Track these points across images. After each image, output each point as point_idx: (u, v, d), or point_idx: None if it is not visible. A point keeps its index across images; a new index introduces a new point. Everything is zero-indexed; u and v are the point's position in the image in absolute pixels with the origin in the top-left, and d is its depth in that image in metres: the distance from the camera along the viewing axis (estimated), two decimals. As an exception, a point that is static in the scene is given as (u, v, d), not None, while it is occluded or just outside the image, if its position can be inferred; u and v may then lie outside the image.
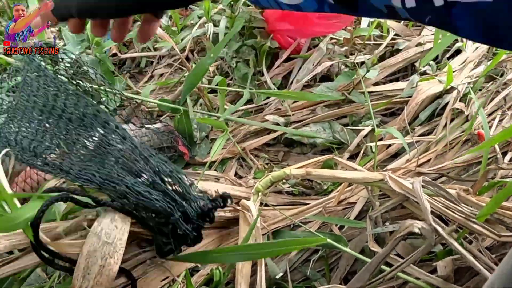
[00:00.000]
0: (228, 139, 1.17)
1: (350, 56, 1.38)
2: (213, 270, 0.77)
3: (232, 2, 1.53)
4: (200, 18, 1.63)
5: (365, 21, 1.44)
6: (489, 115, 1.14)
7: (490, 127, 1.08)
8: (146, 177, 0.71)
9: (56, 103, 0.88)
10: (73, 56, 1.14)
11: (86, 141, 0.82)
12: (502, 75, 1.24)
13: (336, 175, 0.86)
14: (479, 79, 1.21)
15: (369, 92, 1.21)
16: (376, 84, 1.32)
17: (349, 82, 1.26)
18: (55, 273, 0.79)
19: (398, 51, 1.40)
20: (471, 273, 0.77)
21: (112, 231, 0.66)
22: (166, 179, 0.70)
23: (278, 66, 1.41)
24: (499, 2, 0.26)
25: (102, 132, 0.82)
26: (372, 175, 0.83)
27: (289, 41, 1.41)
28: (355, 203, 0.91)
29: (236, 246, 0.75)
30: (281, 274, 0.82)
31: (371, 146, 1.09)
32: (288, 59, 1.41)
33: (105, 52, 1.52)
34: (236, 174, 1.15)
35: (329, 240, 0.74)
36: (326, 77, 1.36)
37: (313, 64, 1.34)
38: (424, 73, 1.33)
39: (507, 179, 0.87)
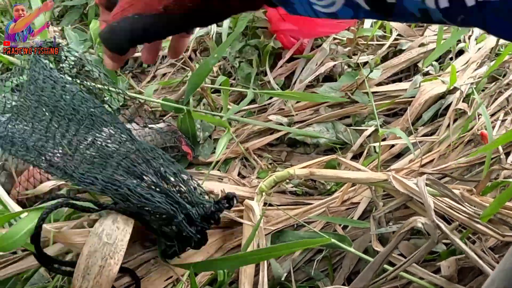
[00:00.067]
0: (231, 139, 1.17)
1: (353, 57, 1.38)
2: (217, 270, 0.77)
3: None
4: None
5: (368, 21, 1.44)
6: (492, 115, 1.14)
7: (493, 127, 1.08)
8: (149, 179, 0.71)
9: (61, 103, 0.88)
10: (77, 55, 1.14)
11: (89, 142, 0.82)
12: (504, 76, 1.24)
13: (339, 175, 0.86)
14: (482, 80, 1.21)
15: (372, 93, 1.21)
16: (379, 84, 1.32)
17: (353, 82, 1.26)
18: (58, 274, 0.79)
19: (401, 51, 1.40)
20: (474, 273, 0.77)
21: (114, 232, 0.66)
22: (169, 181, 0.71)
23: (281, 66, 1.41)
24: None
25: (106, 133, 0.82)
26: (375, 175, 0.83)
27: (292, 41, 1.41)
28: (358, 203, 0.91)
29: (240, 254, 0.75)
30: (285, 274, 0.82)
31: (374, 146, 1.09)
32: (291, 59, 1.41)
33: (108, 51, 1.52)
34: (239, 174, 1.15)
35: (333, 240, 0.74)
36: (329, 77, 1.36)
37: (316, 64, 1.34)
38: (427, 73, 1.33)
39: (511, 179, 0.87)
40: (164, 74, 1.60)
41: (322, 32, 1.35)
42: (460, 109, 1.13)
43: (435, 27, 1.40)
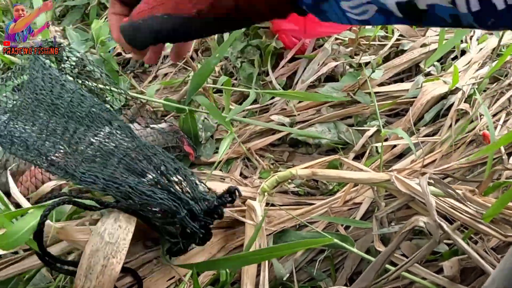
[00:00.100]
0: (233, 139, 1.17)
1: (355, 57, 1.38)
2: (219, 270, 0.77)
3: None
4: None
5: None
6: (494, 116, 1.14)
7: (495, 128, 1.08)
8: (150, 177, 0.71)
9: (61, 102, 0.88)
10: (79, 55, 1.14)
11: (90, 141, 0.82)
12: (506, 76, 1.24)
13: (342, 176, 0.86)
14: (483, 80, 1.21)
15: (374, 93, 1.21)
16: (381, 84, 1.32)
17: (354, 83, 1.26)
18: (60, 274, 0.79)
19: (403, 51, 1.40)
20: (476, 273, 0.77)
21: (116, 231, 0.66)
22: (171, 177, 0.70)
23: (283, 66, 1.41)
24: None
25: (106, 131, 0.82)
26: (378, 176, 0.83)
27: (294, 41, 1.41)
28: (360, 203, 0.91)
29: (242, 254, 0.75)
30: (287, 274, 0.82)
31: (376, 147, 1.09)
32: (293, 59, 1.41)
33: (110, 51, 1.52)
34: (241, 174, 1.15)
35: (335, 240, 0.74)
36: (331, 77, 1.36)
37: (318, 65, 1.34)
38: (429, 73, 1.33)
39: (513, 180, 0.87)
40: (165, 74, 1.60)
41: (324, 32, 1.35)
42: (462, 109, 1.13)
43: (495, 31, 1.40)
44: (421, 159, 1.00)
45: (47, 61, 1.03)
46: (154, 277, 0.75)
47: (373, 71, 1.26)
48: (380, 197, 0.86)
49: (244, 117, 1.29)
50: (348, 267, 0.84)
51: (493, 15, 0.30)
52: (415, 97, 1.20)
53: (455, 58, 1.37)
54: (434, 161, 1.03)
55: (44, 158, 0.82)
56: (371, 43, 1.43)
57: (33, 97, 0.95)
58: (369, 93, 1.21)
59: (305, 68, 1.36)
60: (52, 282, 0.80)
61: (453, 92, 1.19)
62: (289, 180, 0.95)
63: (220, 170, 1.15)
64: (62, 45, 1.19)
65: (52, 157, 0.82)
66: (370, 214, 0.89)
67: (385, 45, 1.41)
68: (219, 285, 0.78)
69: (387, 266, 0.72)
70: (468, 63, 1.32)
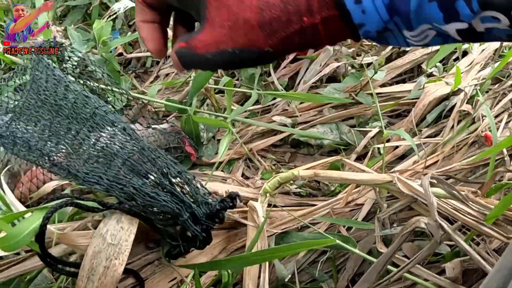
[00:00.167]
0: (235, 140, 1.17)
1: (357, 57, 1.38)
2: (221, 271, 0.77)
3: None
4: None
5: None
6: (496, 117, 1.13)
7: (497, 129, 1.08)
8: (153, 178, 0.71)
9: (64, 103, 0.88)
10: (80, 55, 1.14)
11: (93, 142, 0.82)
12: (508, 77, 1.23)
13: (344, 177, 0.86)
14: (486, 81, 1.21)
15: (376, 94, 1.21)
16: (383, 85, 1.32)
17: (357, 84, 1.26)
18: (62, 275, 0.79)
19: (405, 52, 1.40)
20: (478, 275, 0.77)
21: (118, 232, 0.66)
22: (174, 180, 0.70)
23: (285, 67, 1.41)
24: None
25: (109, 132, 0.82)
26: (380, 177, 0.83)
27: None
28: (362, 204, 0.91)
29: (244, 254, 0.75)
30: (289, 276, 0.82)
31: (378, 148, 1.09)
32: (294, 60, 1.41)
33: (111, 51, 1.52)
34: (243, 175, 1.15)
35: (337, 241, 0.74)
36: (333, 78, 1.36)
37: (320, 65, 1.34)
38: (431, 74, 1.33)
39: (515, 181, 0.87)
40: (167, 74, 1.60)
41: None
42: (464, 110, 1.13)
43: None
44: (423, 160, 1.00)
45: (50, 61, 1.03)
46: (156, 278, 0.75)
47: (375, 72, 1.26)
48: (382, 198, 0.86)
49: (246, 117, 1.29)
50: (350, 268, 0.84)
51: None
52: (417, 98, 1.20)
53: (457, 59, 1.37)
54: (436, 162, 1.03)
55: (46, 158, 0.82)
56: (373, 43, 1.43)
57: (36, 97, 0.95)
58: (371, 94, 1.21)
59: (307, 69, 1.36)
60: (53, 283, 0.80)
61: (455, 93, 1.19)
62: (291, 181, 0.94)
63: (222, 171, 1.15)
64: (64, 45, 1.19)
65: (55, 157, 0.82)
66: (372, 215, 0.89)
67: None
68: (221, 286, 0.77)
69: (389, 267, 0.72)
70: (470, 64, 1.31)
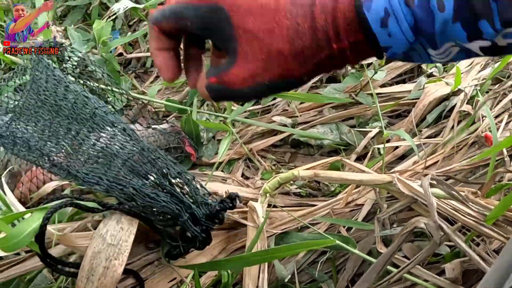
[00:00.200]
0: (235, 140, 1.17)
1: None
2: (221, 271, 0.77)
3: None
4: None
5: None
6: (496, 117, 1.13)
7: (497, 129, 1.07)
8: (153, 179, 0.71)
9: (64, 103, 0.88)
10: (80, 55, 1.14)
11: (93, 142, 0.82)
12: (508, 77, 1.23)
13: (344, 177, 0.86)
14: (486, 82, 1.21)
15: (376, 94, 1.21)
16: (383, 86, 1.32)
17: (357, 84, 1.26)
18: (62, 275, 0.79)
19: (404, 52, 1.39)
20: (478, 276, 0.77)
21: (118, 233, 0.66)
22: (174, 180, 0.70)
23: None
24: None
25: (109, 133, 0.82)
26: (380, 177, 0.83)
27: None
28: (362, 205, 0.91)
29: (244, 255, 0.74)
30: (289, 276, 0.82)
31: (378, 148, 1.09)
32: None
33: (111, 51, 1.52)
34: (243, 175, 1.15)
35: (337, 242, 0.74)
36: (333, 78, 1.36)
37: (320, 65, 1.34)
38: (431, 75, 1.33)
39: (515, 182, 0.87)
40: (167, 75, 1.60)
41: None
42: (464, 111, 1.13)
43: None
44: (423, 160, 1.00)
45: (50, 61, 1.03)
46: (155, 279, 0.75)
47: (375, 72, 1.26)
48: (382, 199, 0.86)
49: (246, 118, 1.29)
50: (350, 269, 0.84)
51: None
52: (417, 99, 1.20)
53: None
54: (436, 162, 1.03)
55: (46, 158, 0.82)
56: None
57: (36, 97, 0.95)
58: (371, 94, 1.21)
59: (307, 69, 1.36)
60: (53, 283, 0.80)
61: (455, 93, 1.19)
62: (291, 181, 0.94)
63: (222, 171, 1.15)
64: (64, 45, 1.19)
65: (55, 157, 0.82)
66: (372, 215, 0.89)
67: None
68: (220, 286, 0.77)
69: (389, 267, 0.72)
70: (470, 64, 1.31)
